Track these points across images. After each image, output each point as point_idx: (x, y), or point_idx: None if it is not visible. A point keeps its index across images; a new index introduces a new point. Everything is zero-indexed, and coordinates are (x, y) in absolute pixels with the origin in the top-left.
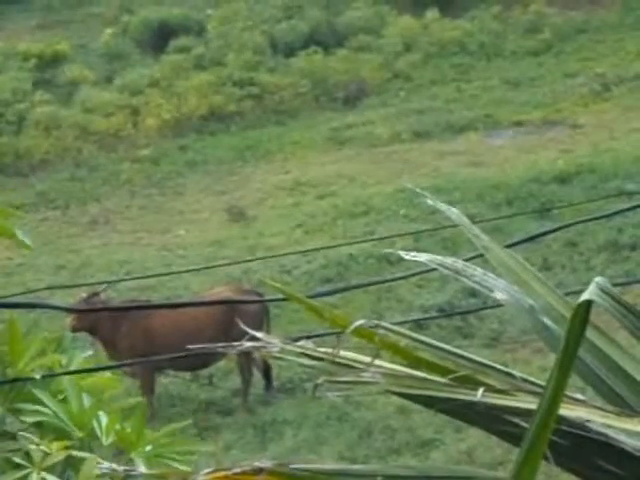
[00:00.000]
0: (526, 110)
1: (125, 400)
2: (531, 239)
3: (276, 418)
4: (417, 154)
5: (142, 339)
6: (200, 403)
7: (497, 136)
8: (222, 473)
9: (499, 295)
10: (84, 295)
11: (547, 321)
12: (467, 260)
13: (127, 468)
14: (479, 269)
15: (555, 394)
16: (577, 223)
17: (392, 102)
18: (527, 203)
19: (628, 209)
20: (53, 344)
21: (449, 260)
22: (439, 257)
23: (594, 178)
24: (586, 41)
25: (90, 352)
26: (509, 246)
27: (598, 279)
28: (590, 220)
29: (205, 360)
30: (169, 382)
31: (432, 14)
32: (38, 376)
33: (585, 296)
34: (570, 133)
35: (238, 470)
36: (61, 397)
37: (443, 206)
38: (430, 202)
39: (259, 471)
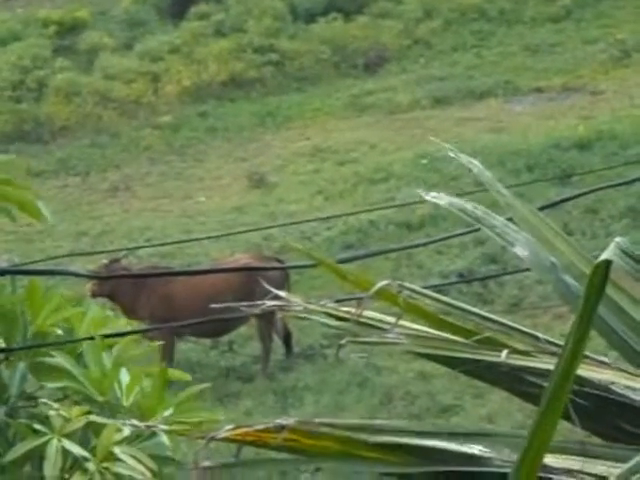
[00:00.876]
0: (546, 76)
1: (145, 362)
2: (551, 205)
3: (296, 384)
4: (437, 121)
5: (162, 305)
6: (220, 369)
7: (517, 102)
8: (244, 429)
9: (519, 250)
10: (105, 261)
11: (568, 279)
12: (470, 232)
13: (150, 425)
14: (500, 218)
15: (573, 352)
16: (597, 189)
17: (412, 69)
18: (547, 169)
19: None
20: (72, 301)
21: (470, 205)
22: (460, 201)
23: (614, 144)
24: (606, 7)
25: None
26: None
27: (618, 239)
28: (610, 187)
29: (225, 326)
30: (189, 348)
31: None
32: (60, 332)
33: (604, 255)
34: (590, 99)
35: (260, 427)
36: (80, 350)
37: (466, 159)
38: (453, 155)
39: (281, 428)
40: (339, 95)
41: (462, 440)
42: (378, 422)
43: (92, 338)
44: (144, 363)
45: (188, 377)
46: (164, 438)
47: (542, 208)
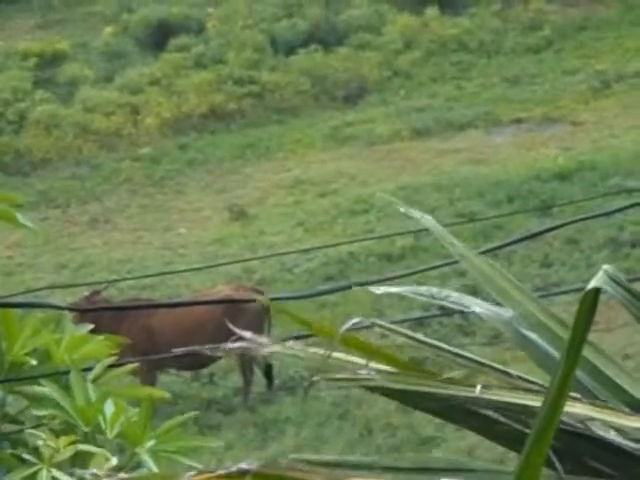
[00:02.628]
0: (526, 107)
1: (130, 388)
2: (532, 236)
3: (277, 416)
4: (418, 152)
5: (143, 338)
6: (201, 401)
7: (497, 134)
8: (207, 475)
9: (477, 309)
10: (86, 294)
11: (526, 332)
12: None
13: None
14: (454, 293)
15: (561, 388)
16: (577, 221)
17: (392, 100)
18: (528, 200)
19: (628, 207)
20: (51, 323)
21: (423, 288)
22: (411, 287)
23: (594, 175)
24: (586, 38)
25: (90, 326)
26: (510, 243)
27: (606, 267)
28: (590, 217)
29: (206, 359)
30: (170, 380)
31: (432, 12)
32: (34, 362)
33: (593, 283)
34: (570, 130)
35: (223, 472)
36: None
37: (417, 214)
38: (403, 210)
39: (245, 473)
40: (319, 127)
41: (439, 475)
42: (349, 459)
43: (68, 372)
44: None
45: (167, 395)
46: (151, 466)
47: (523, 239)
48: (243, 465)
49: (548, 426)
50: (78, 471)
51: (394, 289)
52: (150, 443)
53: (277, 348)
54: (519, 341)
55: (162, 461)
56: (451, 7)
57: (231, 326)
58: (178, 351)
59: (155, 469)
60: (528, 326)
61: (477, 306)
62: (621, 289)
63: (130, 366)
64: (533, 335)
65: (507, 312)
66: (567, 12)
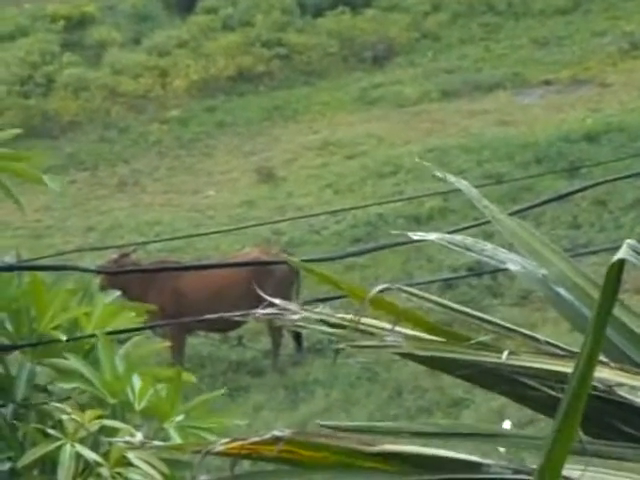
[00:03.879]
0: (554, 69)
1: (159, 356)
2: (560, 198)
3: (306, 379)
4: (446, 114)
5: (172, 300)
6: (230, 364)
7: (526, 95)
8: (239, 443)
9: (511, 266)
10: (114, 256)
11: (560, 290)
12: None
13: (145, 441)
14: (489, 244)
15: (590, 358)
16: (606, 182)
17: (420, 62)
18: (556, 162)
19: None
20: (80, 292)
21: (458, 237)
22: (447, 235)
23: (623, 137)
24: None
25: (117, 293)
26: (538, 204)
27: (629, 241)
28: (619, 179)
29: (235, 321)
30: (199, 343)
31: None
32: (63, 337)
33: (618, 255)
34: (599, 92)
35: (256, 439)
36: (87, 348)
37: (452, 179)
38: (439, 175)
39: (277, 440)
40: (347, 89)
41: (467, 440)
42: (378, 424)
43: (94, 336)
44: (155, 360)
45: (193, 379)
46: (177, 441)
47: (551, 200)
48: (275, 432)
49: (577, 400)
50: (108, 439)
51: (430, 236)
52: (179, 418)
53: (305, 314)
54: (552, 300)
55: (189, 437)
56: None
57: (259, 291)
58: (208, 317)
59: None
60: (561, 285)
61: (511, 262)
62: None
63: (161, 344)
64: (567, 294)
65: (540, 271)
66: None
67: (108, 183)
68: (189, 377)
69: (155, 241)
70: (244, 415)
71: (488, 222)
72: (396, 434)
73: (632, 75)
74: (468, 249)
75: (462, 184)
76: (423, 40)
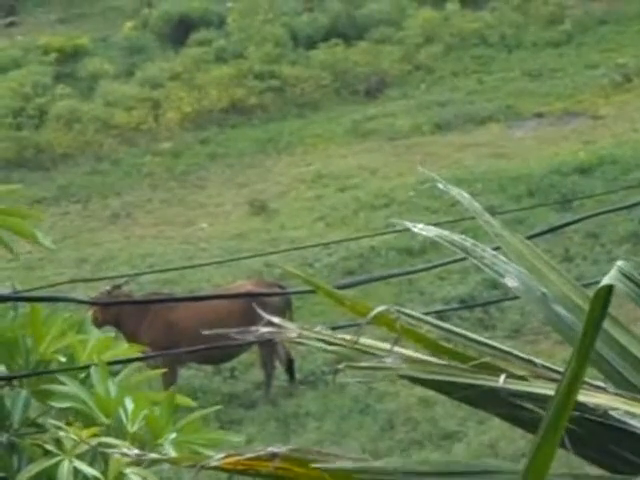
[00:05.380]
0: (547, 101)
1: (151, 388)
2: (552, 230)
3: (299, 410)
4: (438, 146)
5: (165, 332)
6: (223, 396)
7: (518, 127)
8: (235, 458)
9: (510, 282)
10: (107, 288)
11: (560, 310)
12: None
13: (140, 453)
14: (490, 251)
15: (573, 380)
16: (598, 214)
17: (413, 94)
18: (548, 194)
19: None
20: (74, 326)
21: (458, 237)
22: (448, 233)
23: (615, 169)
24: (607, 32)
25: (112, 333)
26: (530, 237)
27: (620, 263)
28: (611, 211)
29: (227, 353)
30: (191, 375)
31: (452, 6)
32: (62, 359)
33: (606, 280)
34: (591, 124)
35: (252, 455)
36: (82, 376)
37: (455, 191)
38: (441, 187)
39: (273, 456)
40: (340, 121)
41: (460, 478)
42: (376, 464)
43: (95, 364)
44: (146, 390)
45: (192, 403)
46: (173, 455)
47: (543, 233)
48: (272, 449)
49: (559, 417)
50: (107, 450)
51: (431, 232)
52: (172, 436)
53: (305, 333)
54: (552, 320)
55: (184, 452)
56: (472, 1)
57: (260, 312)
58: (203, 347)
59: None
60: (562, 305)
61: (510, 276)
62: (634, 286)
63: (156, 371)
64: (567, 314)
65: (541, 289)
66: (588, 6)
67: (100, 215)
68: (187, 401)
69: (147, 272)
70: (236, 448)
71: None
72: (389, 474)
73: (625, 108)
74: (467, 253)
75: (464, 197)
76: (416, 72)
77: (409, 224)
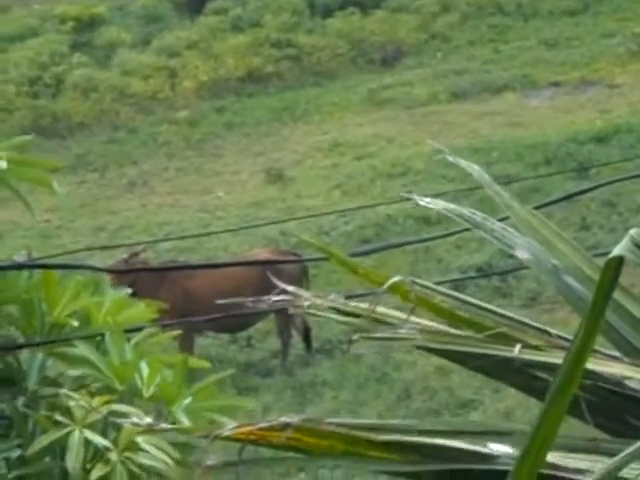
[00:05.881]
0: (563, 70)
1: (165, 352)
2: (569, 197)
3: (315, 379)
4: (455, 115)
5: (181, 300)
6: (239, 364)
7: (534, 96)
8: (248, 428)
9: (520, 254)
10: (124, 256)
11: (571, 281)
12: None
13: (152, 423)
14: (499, 224)
15: (581, 349)
16: (614, 182)
17: (429, 63)
18: (565, 163)
19: None
20: (89, 287)
21: (467, 211)
22: (456, 207)
23: (631, 138)
24: (623, 1)
25: (128, 290)
26: (546, 204)
27: (633, 231)
28: (628, 179)
29: (244, 321)
30: (208, 343)
31: None
32: (75, 323)
33: (616, 251)
34: (607, 93)
35: (264, 425)
36: (98, 339)
37: (464, 163)
38: (451, 159)
39: (285, 427)
40: (356, 90)
41: (474, 438)
42: (388, 422)
43: (110, 330)
44: (161, 354)
45: (207, 364)
46: (186, 424)
47: (559, 200)
48: (284, 419)
49: (568, 383)
50: (117, 420)
51: (438, 204)
52: (186, 401)
53: (319, 302)
54: (563, 291)
55: (198, 419)
56: None
57: (275, 280)
58: (219, 315)
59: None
60: (573, 277)
61: (520, 248)
62: None
63: (171, 333)
64: (578, 285)
65: (552, 261)
66: None
67: (117, 184)
68: (201, 363)
69: (164, 240)
70: (252, 417)
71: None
72: (404, 432)
73: None
74: (476, 226)
75: (474, 169)
76: (432, 41)
77: (417, 197)
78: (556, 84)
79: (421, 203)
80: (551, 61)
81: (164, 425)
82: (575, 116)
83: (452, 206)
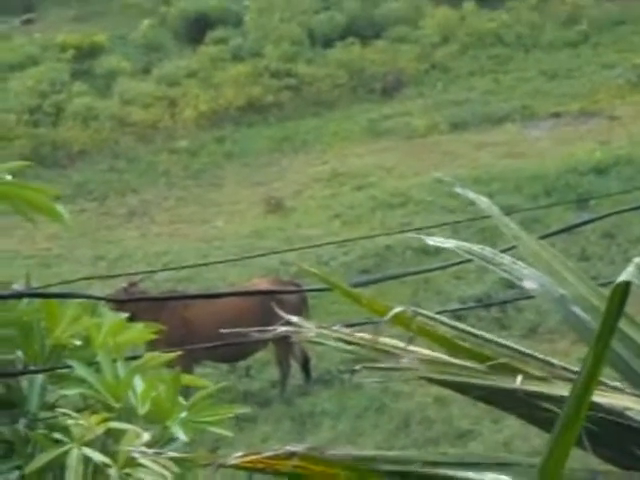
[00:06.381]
0: (563, 101)
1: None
2: (569, 229)
3: (314, 409)
4: (455, 145)
5: (180, 330)
6: (238, 394)
7: (534, 127)
8: (254, 456)
9: (528, 284)
10: (123, 285)
11: (578, 311)
12: (502, 252)
13: (158, 451)
14: (508, 257)
15: (589, 378)
16: (614, 214)
17: (429, 93)
18: (565, 194)
19: None
20: (88, 310)
21: (477, 247)
22: (466, 244)
23: (631, 169)
24: (623, 32)
25: (126, 314)
26: (546, 236)
27: (637, 260)
28: (627, 211)
29: (243, 351)
30: (207, 373)
31: (469, 5)
32: (78, 342)
33: (623, 277)
34: (607, 124)
35: (270, 454)
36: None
37: (472, 195)
38: (459, 191)
39: (291, 455)
40: (356, 119)
41: (474, 469)
42: (390, 453)
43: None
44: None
45: (202, 382)
46: (182, 438)
47: (559, 232)
48: (290, 447)
49: (575, 416)
50: (118, 448)
51: (449, 243)
52: (181, 415)
53: (324, 332)
54: (570, 320)
55: (194, 432)
56: (488, 0)
57: (278, 311)
58: (220, 343)
59: (186, 440)
60: (580, 306)
61: (529, 279)
62: None
63: (168, 355)
64: (584, 315)
65: (559, 290)
66: (604, 6)
67: (117, 213)
68: (196, 381)
69: (163, 270)
70: (251, 446)
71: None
72: (406, 462)
73: None
74: (486, 260)
75: (482, 200)
76: (432, 71)
77: (425, 237)
78: (556, 115)
79: (431, 243)
80: (551, 92)
81: (170, 453)
82: (575, 147)
83: (463, 244)
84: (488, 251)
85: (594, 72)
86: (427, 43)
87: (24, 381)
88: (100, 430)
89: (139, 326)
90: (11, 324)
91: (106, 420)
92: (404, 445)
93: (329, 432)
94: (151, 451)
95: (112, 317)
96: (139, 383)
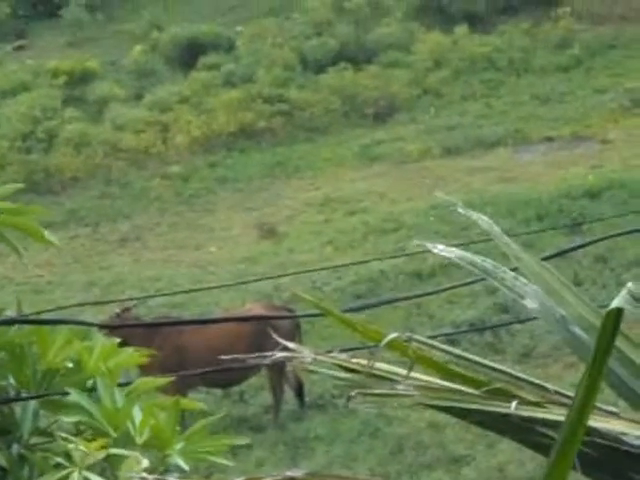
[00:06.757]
0: (556, 126)
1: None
2: (561, 254)
3: (308, 435)
4: (447, 170)
5: (174, 355)
6: (232, 419)
7: (527, 152)
8: None
9: (529, 303)
10: (116, 311)
11: (578, 331)
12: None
13: (159, 478)
14: (510, 272)
15: (584, 403)
16: (607, 238)
17: (422, 118)
18: (557, 218)
19: None
20: (79, 335)
21: (478, 259)
22: (469, 254)
23: (624, 193)
24: (616, 56)
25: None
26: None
27: (630, 285)
28: (620, 235)
29: (237, 376)
30: (200, 399)
31: (461, 30)
32: (70, 364)
33: (615, 303)
34: (600, 148)
35: (270, 479)
36: (90, 383)
37: (474, 215)
38: (461, 211)
39: None
40: (349, 145)
41: None
42: None
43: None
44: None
45: (201, 406)
46: (182, 467)
47: (552, 256)
48: (289, 473)
49: (571, 441)
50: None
51: (451, 253)
52: (179, 445)
53: (320, 357)
54: (570, 342)
55: (193, 461)
56: (480, 25)
57: (274, 336)
58: (215, 368)
59: (187, 469)
60: (579, 327)
61: (530, 297)
62: None
63: (161, 380)
64: (585, 335)
65: (559, 311)
66: (596, 30)
67: (109, 239)
68: (195, 405)
69: (156, 295)
70: (246, 472)
71: (484, 279)
72: None
73: (633, 132)
74: (488, 274)
75: (484, 221)
76: (425, 96)
77: (429, 245)
78: (549, 139)
79: (435, 251)
80: (544, 116)
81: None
82: (568, 171)
83: (465, 254)
84: (489, 264)
85: (586, 96)
86: (419, 68)
87: (17, 407)
88: (101, 455)
89: (130, 350)
90: (2, 349)
91: (105, 447)
92: (398, 471)
93: (323, 457)
94: (152, 477)
95: (103, 341)
96: (138, 412)
